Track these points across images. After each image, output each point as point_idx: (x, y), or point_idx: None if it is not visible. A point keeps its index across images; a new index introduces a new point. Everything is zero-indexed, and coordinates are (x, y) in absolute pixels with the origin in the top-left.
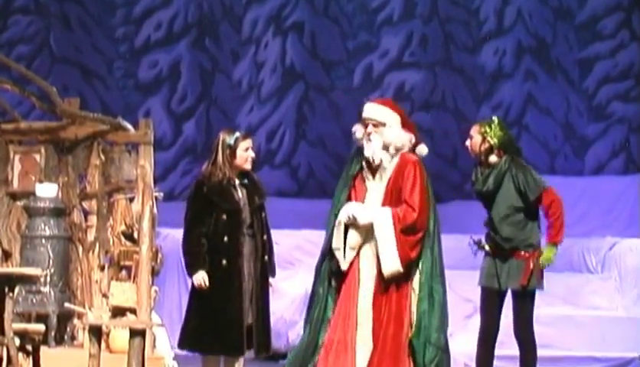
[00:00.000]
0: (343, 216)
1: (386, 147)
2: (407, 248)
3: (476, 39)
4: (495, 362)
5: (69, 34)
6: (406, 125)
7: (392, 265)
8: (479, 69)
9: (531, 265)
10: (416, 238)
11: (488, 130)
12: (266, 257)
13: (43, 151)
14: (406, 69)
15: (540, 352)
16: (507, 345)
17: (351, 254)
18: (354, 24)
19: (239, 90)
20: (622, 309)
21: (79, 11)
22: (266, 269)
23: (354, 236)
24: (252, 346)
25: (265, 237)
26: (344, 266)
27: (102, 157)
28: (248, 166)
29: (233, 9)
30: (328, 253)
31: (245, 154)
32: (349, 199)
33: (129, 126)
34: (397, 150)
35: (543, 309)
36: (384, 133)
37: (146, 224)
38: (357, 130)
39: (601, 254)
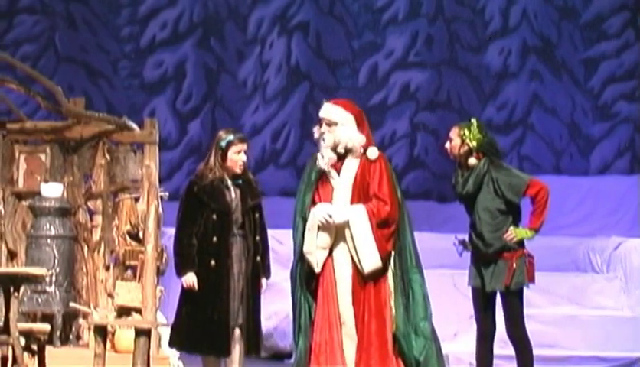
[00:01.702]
0: (319, 218)
1: (335, 147)
2: (384, 242)
3: (481, 39)
4: (497, 361)
5: (74, 34)
6: (360, 125)
7: (372, 261)
8: (484, 68)
9: (514, 265)
10: (391, 230)
11: (467, 133)
12: (259, 257)
13: (48, 150)
14: (412, 69)
15: (545, 352)
16: (509, 344)
17: (323, 255)
18: (359, 24)
19: (244, 90)
20: (627, 309)
21: (84, 10)
22: (257, 270)
23: (324, 237)
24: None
25: (258, 238)
26: (317, 269)
27: (108, 157)
28: (238, 170)
29: (239, 9)
30: (300, 258)
31: (235, 157)
32: (314, 200)
33: (134, 126)
34: (347, 150)
35: (548, 309)
36: (336, 132)
37: (151, 224)
38: (316, 130)
39: (606, 254)
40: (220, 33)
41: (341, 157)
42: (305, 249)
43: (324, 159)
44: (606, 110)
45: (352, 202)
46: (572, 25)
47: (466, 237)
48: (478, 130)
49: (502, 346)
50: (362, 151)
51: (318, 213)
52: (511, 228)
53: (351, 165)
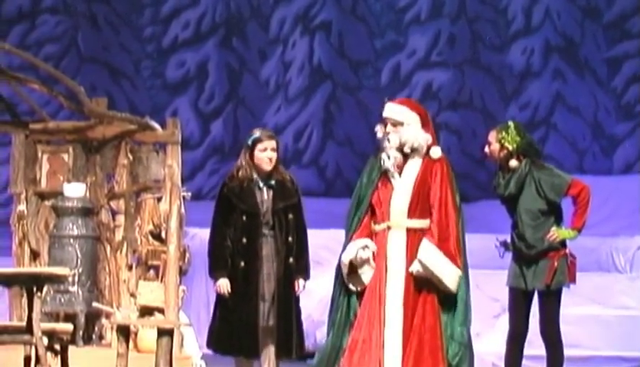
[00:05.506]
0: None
1: (401, 147)
2: (457, 257)
3: (504, 38)
4: (524, 362)
5: (97, 34)
6: (425, 125)
7: (455, 279)
8: (507, 68)
9: (555, 264)
10: (453, 239)
11: (505, 136)
12: (292, 259)
13: (71, 150)
14: (434, 69)
15: (567, 352)
16: (535, 344)
17: (367, 277)
18: (382, 24)
19: (266, 90)
20: None
21: (107, 10)
22: (291, 271)
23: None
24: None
25: (290, 239)
26: (352, 287)
27: (130, 157)
28: (267, 167)
29: (261, 8)
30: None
31: (262, 155)
32: (371, 200)
33: (157, 126)
34: (413, 150)
35: (570, 308)
36: (402, 132)
37: (174, 223)
38: (379, 130)
39: (629, 254)
40: (242, 33)
41: (404, 157)
42: (346, 281)
43: (390, 160)
44: (629, 109)
45: (411, 204)
46: (595, 24)
47: (507, 238)
48: (516, 132)
49: (525, 347)
50: (426, 150)
51: (358, 252)
52: (554, 228)
53: (414, 165)
